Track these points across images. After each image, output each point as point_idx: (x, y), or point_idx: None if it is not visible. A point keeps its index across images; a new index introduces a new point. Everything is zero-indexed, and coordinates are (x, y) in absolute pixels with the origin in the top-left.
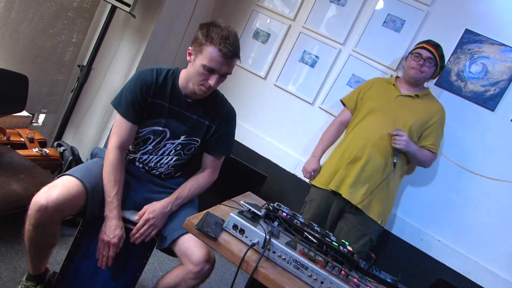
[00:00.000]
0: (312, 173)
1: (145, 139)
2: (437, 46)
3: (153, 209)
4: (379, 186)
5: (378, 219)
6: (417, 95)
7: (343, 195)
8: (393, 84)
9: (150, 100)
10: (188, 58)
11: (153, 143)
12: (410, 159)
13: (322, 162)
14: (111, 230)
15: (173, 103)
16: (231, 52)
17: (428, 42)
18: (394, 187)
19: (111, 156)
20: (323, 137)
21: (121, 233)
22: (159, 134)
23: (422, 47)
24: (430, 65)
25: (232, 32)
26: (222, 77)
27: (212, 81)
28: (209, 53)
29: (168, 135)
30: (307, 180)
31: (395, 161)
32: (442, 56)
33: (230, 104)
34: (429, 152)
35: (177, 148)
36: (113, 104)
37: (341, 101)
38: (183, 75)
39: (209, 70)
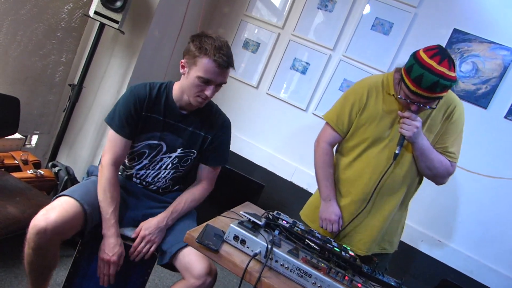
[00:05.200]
0: (339, 221)
1: (140, 153)
2: (432, 88)
3: (148, 225)
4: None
5: (391, 250)
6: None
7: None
8: (393, 95)
9: (144, 114)
10: (181, 70)
11: (149, 157)
12: (416, 159)
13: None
14: (110, 248)
15: (167, 116)
16: (226, 62)
17: (420, 83)
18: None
19: (106, 173)
20: (325, 173)
21: (120, 250)
22: (155, 148)
23: (413, 92)
24: (426, 104)
25: (224, 42)
26: (218, 86)
27: (208, 92)
28: (204, 65)
29: (164, 149)
30: (305, 187)
31: (397, 151)
32: (445, 87)
33: (224, 115)
34: (445, 158)
35: (174, 162)
36: (106, 121)
37: (325, 120)
38: (176, 87)
39: (205, 82)
